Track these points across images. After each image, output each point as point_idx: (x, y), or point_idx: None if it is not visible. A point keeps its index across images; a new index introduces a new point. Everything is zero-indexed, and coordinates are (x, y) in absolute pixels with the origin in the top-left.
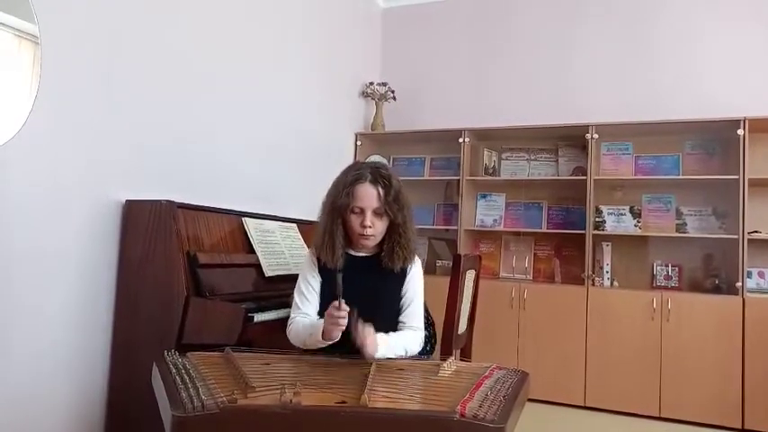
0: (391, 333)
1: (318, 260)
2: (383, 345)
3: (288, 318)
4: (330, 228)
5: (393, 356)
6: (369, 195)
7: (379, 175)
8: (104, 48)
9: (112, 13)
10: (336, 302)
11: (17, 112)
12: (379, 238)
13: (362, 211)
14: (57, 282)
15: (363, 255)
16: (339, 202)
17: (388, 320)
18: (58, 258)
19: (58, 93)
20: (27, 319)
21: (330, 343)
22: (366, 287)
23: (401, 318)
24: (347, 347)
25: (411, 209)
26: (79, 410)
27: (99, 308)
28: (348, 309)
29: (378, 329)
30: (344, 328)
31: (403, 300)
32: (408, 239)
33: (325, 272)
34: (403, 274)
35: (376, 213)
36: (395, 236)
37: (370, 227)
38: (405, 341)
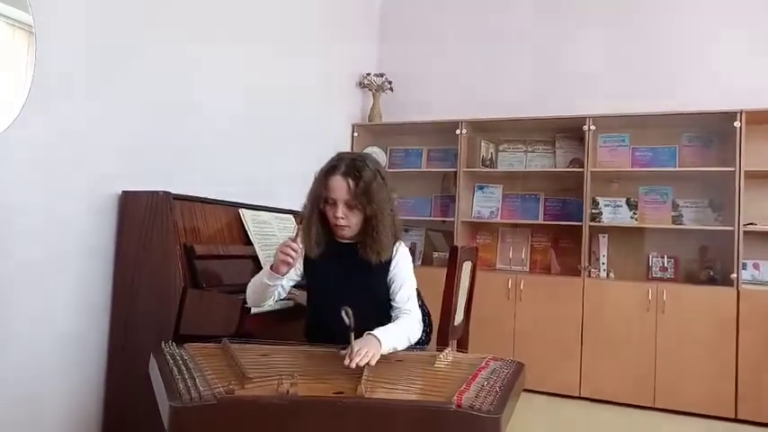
0: (388, 325)
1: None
2: (384, 338)
3: (285, 310)
4: (308, 215)
5: (399, 347)
6: (339, 187)
7: (352, 167)
8: (99, 37)
9: (107, 1)
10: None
11: (12, 102)
12: (356, 229)
13: (335, 203)
14: (53, 273)
15: (348, 242)
16: (316, 193)
17: (379, 306)
18: (54, 250)
19: (53, 82)
20: (24, 312)
21: (273, 282)
22: (352, 274)
23: (393, 303)
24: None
25: (387, 202)
26: (77, 401)
27: (96, 300)
28: (299, 249)
29: (369, 315)
30: (292, 263)
31: (392, 287)
32: (381, 234)
33: (308, 261)
34: (387, 264)
35: (348, 205)
36: (368, 229)
37: (342, 218)
38: (405, 329)
